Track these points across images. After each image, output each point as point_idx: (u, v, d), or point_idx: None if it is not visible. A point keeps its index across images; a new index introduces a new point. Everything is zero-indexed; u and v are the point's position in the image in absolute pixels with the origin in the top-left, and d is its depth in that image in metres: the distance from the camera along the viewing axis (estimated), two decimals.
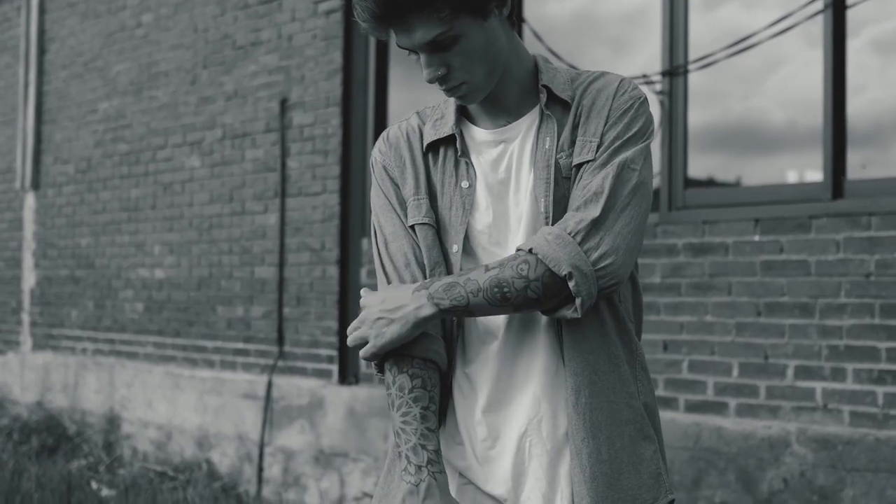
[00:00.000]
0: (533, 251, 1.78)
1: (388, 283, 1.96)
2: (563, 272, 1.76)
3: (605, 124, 1.86)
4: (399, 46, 1.86)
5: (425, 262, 1.93)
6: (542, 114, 1.91)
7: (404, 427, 1.85)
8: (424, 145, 1.98)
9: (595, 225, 1.78)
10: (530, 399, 1.88)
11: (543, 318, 1.88)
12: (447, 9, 1.76)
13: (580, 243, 1.77)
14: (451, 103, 1.99)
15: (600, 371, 1.87)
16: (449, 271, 1.92)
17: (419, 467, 1.83)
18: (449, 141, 1.96)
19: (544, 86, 1.92)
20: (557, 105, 1.92)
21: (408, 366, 1.88)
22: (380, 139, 2.06)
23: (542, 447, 1.88)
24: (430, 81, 1.86)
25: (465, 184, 1.92)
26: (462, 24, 1.80)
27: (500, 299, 1.78)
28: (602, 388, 1.87)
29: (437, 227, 1.94)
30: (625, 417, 1.89)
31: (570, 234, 1.78)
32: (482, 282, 1.79)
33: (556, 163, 1.88)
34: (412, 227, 1.95)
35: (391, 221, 1.98)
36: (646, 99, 1.92)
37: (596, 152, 1.85)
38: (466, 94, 1.89)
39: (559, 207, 1.86)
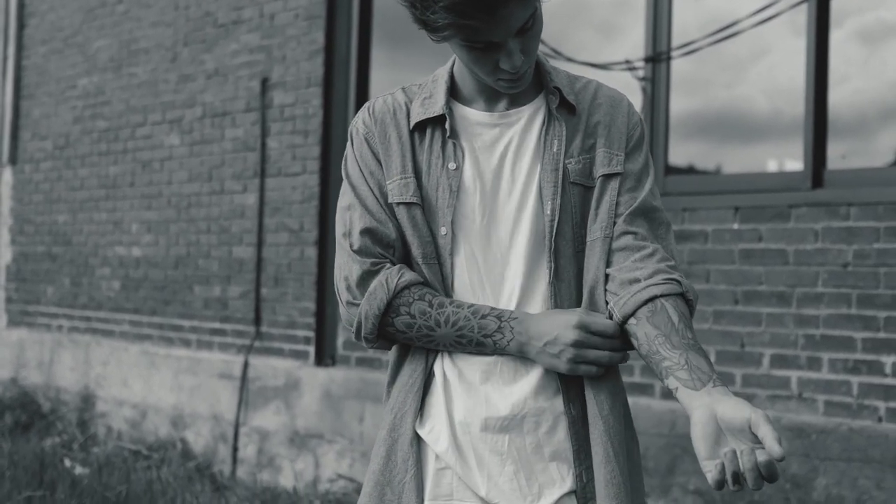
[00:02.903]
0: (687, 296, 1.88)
1: (349, 248, 1.90)
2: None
3: (627, 144, 1.92)
4: (473, 41, 1.75)
5: (413, 242, 1.89)
6: (549, 114, 1.90)
7: (461, 323, 1.84)
8: (411, 124, 1.92)
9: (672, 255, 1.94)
10: (518, 394, 1.87)
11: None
12: None
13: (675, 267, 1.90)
14: (441, 82, 1.94)
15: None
16: (437, 253, 1.89)
17: (499, 318, 1.84)
18: (437, 121, 1.91)
19: (556, 87, 1.91)
20: (563, 107, 1.92)
21: (409, 298, 1.86)
22: (363, 111, 1.99)
23: (522, 441, 1.86)
24: (517, 70, 1.79)
25: (451, 165, 1.88)
26: (535, 2, 1.76)
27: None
28: (604, 384, 1.89)
29: (424, 209, 1.90)
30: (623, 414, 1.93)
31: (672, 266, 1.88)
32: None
33: (565, 167, 1.87)
34: (399, 205, 1.89)
35: (365, 192, 1.92)
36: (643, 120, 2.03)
37: (624, 166, 1.89)
38: (524, 78, 1.85)
39: (565, 212, 1.86)
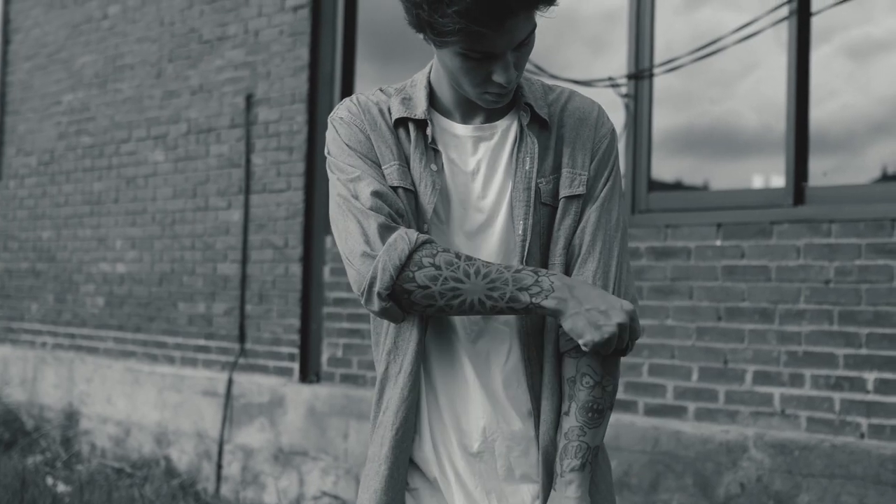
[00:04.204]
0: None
1: (361, 206, 1.81)
2: None
3: (592, 160, 1.90)
4: (477, 52, 1.74)
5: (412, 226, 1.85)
6: (521, 131, 1.89)
7: (493, 275, 1.76)
8: (392, 119, 1.90)
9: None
10: (490, 417, 1.86)
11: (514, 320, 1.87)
12: (547, 1, 1.73)
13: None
14: (420, 87, 1.93)
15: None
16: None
17: (535, 272, 1.77)
18: (417, 124, 1.90)
19: (527, 104, 1.90)
20: (535, 122, 1.91)
21: (432, 250, 1.77)
22: (346, 103, 1.95)
23: (493, 463, 1.86)
24: (510, 83, 1.78)
25: (433, 167, 1.87)
26: (535, 18, 1.76)
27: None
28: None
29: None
30: None
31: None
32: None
33: (537, 187, 1.86)
34: (398, 189, 1.85)
35: (365, 166, 1.86)
36: (615, 130, 1.99)
37: (587, 186, 1.88)
38: (510, 93, 1.84)
39: (535, 232, 1.85)
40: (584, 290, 1.76)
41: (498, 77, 1.77)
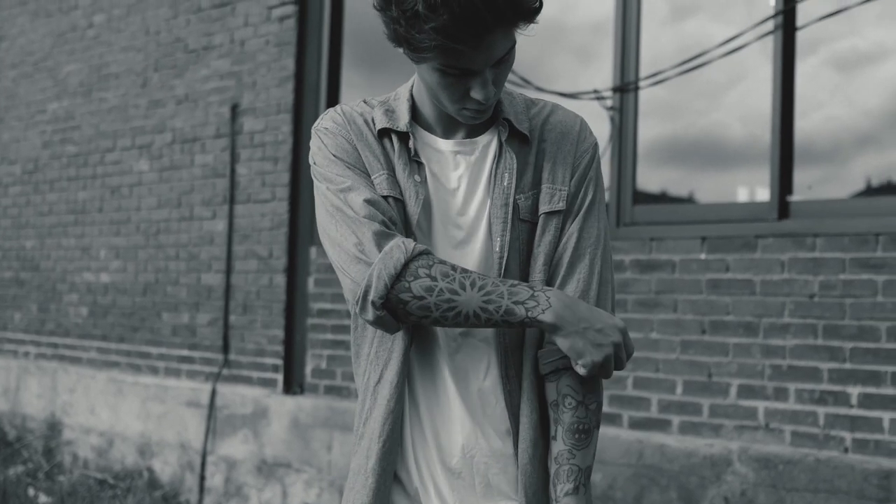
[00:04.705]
0: None
1: (354, 215, 1.79)
2: None
3: (573, 175, 1.89)
4: (455, 68, 1.72)
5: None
6: (500, 146, 1.88)
7: (489, 287, 1.74)
8: (376, 130, 1.89)
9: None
10: (469, 434, 1.85)
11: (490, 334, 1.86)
12: (526, 19, 1.71)
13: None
14: (403, 101, 1.92)
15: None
16: None
17: (531, 287, 1.75)
18: (400, 136, 1.89)
19: (506, 119, 1.89)
20: (515, 138, 1.90)
21: (428, 261, 1.75)
22: (331, 113, 1.93)
23: (472, 480, 1.85)
24: (488, 100, 1.76)
25: (417, 178, 1.86)
26: (515, 35, 1.74)
27: None
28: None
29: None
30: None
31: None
32: None
33: (515, 203, 1.85)
34: (387, 198, 1.83)
35: (354, 176, 1.84)
36: (597, 143, 1.97)
37: (567, 202, 1.87)
38: (489, 109, 1.83)
39: (513, 248, 1.84)
40: (577, 306, 1.75)
41: (476, 94, 1.75)
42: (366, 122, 1.90)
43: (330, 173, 1.85)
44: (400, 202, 1.84)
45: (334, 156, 1.86)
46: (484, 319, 1.73)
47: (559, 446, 1.80)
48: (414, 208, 1.84)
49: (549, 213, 1.87)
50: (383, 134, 1.89)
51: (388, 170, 1.86)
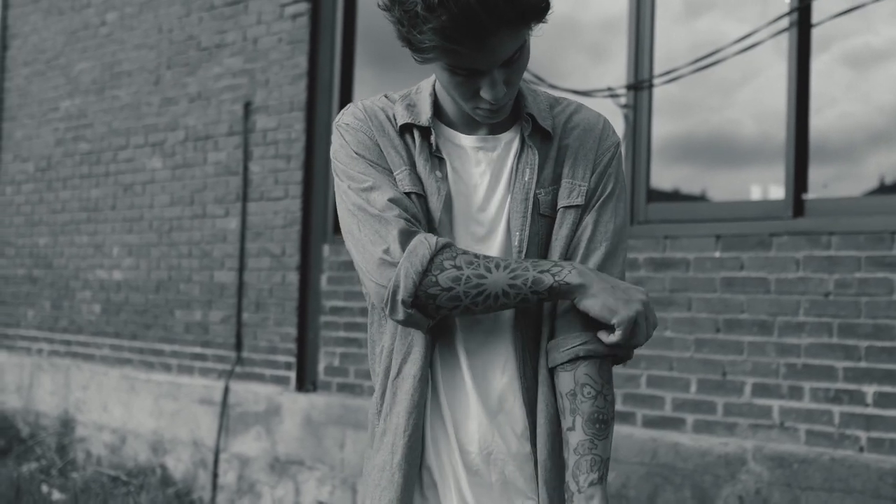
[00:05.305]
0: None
1: (378, 213, 1.79)
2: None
3: (593, 172, 1.89)
4: (461, 68, 1.72)
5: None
6: (522, 142, 1.88)
7: (513, 265, 1.76)
8: (398, 126, 1.88)
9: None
10: (486, 432, 1.85)
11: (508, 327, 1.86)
12: (533, 19, 1.69)
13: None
14: (425, 96, 1.91)
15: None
16: None
17: (553, 261, 1.78)
18: (422, 131, 1.88)
19: (529, 114, 1.89)
20: (537, 133, 1.89)
21: (452, 252, 1.76)
22: (352, 108, 1.92)
23: (489, 478, 1.85)
24: (498, 101, 1.76)
25: (438, 174, 1.85)
26: (525, 34, 1.72)
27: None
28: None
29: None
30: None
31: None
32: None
33: (535, 198, 1.85)
34: (410, 194, 1.83)
35: (377, 174, 1.84)
36: (620, 143, 1.97)
37: (586, 198, 1.87)
38: (502, 109, 1.82)
39: (532, 243, 1.84)
40: (601, 273, 1.79)
41: (485, 94, 1.75)
42: (388, 117, 1.90)
43: (352, 171, 1.85)
44: (422, 198, 1.84)
45: (356, 153, 1.86)
46: (513, 296, 1.75)
47: (578, 436, 1.77)
48: (436, 204, 1.84)
49: (567, 208, 1.87)
50: (405, 129, 1.89)
51: (410, 165, 1.85)
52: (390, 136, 1.88)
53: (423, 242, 1.74)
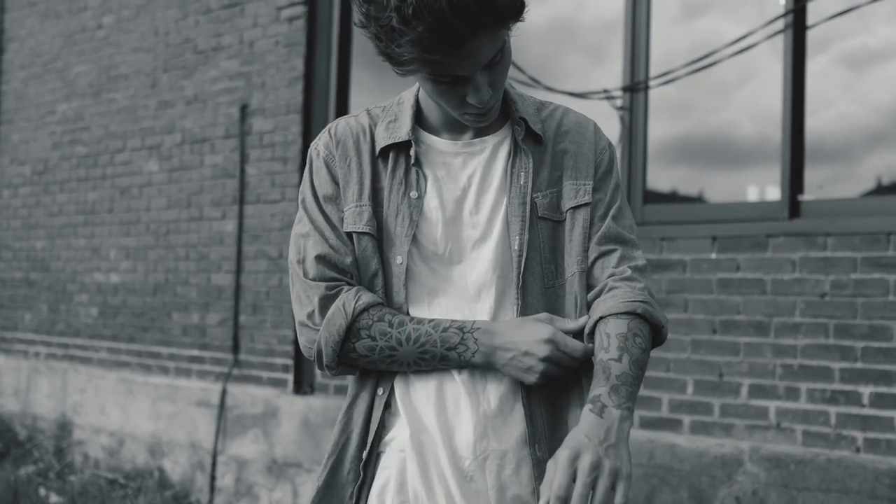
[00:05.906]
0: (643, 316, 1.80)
1: (302, 275, 1.86)
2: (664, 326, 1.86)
3: (595, 173, 1.91)
4: (443, 76, 1.71)
5: (360, 272, 1.87)
6: (515, 146, 1.88)
7: (422, 339, 1.80)
8: (377, 150, 1.89)
9: (643, 271, 1.89)
10: (482, 434, 1.84)
11: None
12: (510, 20, 1.68)
13: (644, 288, 1.85)
14: (406, 107, 1.92)
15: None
16: (387, 282, 1.86)
17: (461, 329, 1.81)
18: (401, 147, 1.88)
19: (522, 118, 1.89)
20: (529, 137, 1.90)
21: (368, 321, 1.82)
22: (325, 132, 1.95)
23: (484, 484, 1.84)
24: (484, 104, 1.76)
25: (413, 194, 1.85)
26: (504, 36, 1.71)
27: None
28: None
29: (379, 238, 1.87)
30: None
31: (643, 289, 1.84)
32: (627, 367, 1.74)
33: (533, 201, 1.86)
34: (349, 235, 1.86)
35: (319, 219, 1.89)
36: (612, 143, 2.02)
37: (593, 199, 1.89)
38: (491, 111, 1.82)
39: (532, 247, 1.85)
40: (502, 335, 1.80)
41: (471, 98, 1.75)
42: (358, 143, 1.91)
43: (302, 210, 1.93)
44: (369, 236, 1.86)
45: (313, 187, 1.92)
46: (425, 365, 1.82)
47: (623, 368, 1.72)
48: (408, 230, 1.85)
49: (576, 208, 1.88)
50: (382, 152, 1.90)
51: (371, 198, 1.88)
52: (361, 162, 1.90)
53: (340, 311, 1.81)
